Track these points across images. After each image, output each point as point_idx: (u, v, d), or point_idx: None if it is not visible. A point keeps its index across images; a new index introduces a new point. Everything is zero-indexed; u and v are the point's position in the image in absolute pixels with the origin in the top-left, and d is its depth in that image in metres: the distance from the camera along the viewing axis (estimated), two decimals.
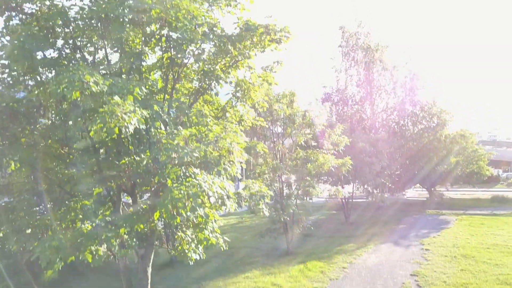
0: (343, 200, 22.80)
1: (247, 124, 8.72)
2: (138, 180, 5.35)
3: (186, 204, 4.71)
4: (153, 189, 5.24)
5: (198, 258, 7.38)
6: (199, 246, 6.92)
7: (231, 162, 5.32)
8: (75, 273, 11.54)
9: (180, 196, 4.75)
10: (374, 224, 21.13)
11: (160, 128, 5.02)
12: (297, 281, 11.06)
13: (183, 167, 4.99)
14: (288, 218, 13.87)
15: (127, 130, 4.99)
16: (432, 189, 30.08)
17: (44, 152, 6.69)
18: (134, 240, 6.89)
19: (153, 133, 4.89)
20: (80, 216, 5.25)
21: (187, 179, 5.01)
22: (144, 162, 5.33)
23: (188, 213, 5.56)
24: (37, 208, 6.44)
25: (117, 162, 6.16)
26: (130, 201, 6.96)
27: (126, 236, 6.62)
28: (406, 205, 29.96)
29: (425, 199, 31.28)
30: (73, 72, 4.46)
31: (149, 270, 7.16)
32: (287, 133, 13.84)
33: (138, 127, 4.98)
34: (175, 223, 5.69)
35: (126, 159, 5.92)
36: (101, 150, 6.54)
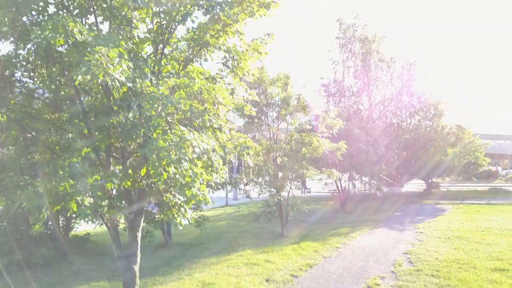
0: (339, 189, 22.91)
1: (238, 97, 8.73)
2: (125, 137, 5.38)
3: (170, 153, 4.75)
4: (139, 141, 5.27)
5: (187, 223, 7.40)
6: (187, 209, 6.95)
7: (216, 115, 5.37)
8: (65, 256, 11.60)
9: (165, 145, 4.80)
10: (370, 212, 21.21)
11: (146, 80, 5.05)
12: (290, 258, 11.11)
13: (168, 118, 5.04)
14: (282, 200, 13.92)
15: (114, 83, 5.05)
16: (430, 180, 30.17)
17: (34, 116, 6.73)
18: (123, 202, 6.95)
19: (138, 85, 4.93)
20: (67, 175, 5.28)
21: (172, 131, 5.06)
22: (130, 115, 5.37)
23: (173, 170, 5.63)
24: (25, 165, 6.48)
25: (106, 124, 6.19)
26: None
27: (115, 198, 6.68)
28: (403, 196, 30.06)
29: (423, 190, 31.38)
30: (57, 20, 4.52)
31: (139, 235, 7.19)
32: (282, 115, 13.85)
33: (124, 81, 5.03)
34: (162, 180, 5.72)
35: (114, 118, 5.96)
36: (91, 114, 6.58)
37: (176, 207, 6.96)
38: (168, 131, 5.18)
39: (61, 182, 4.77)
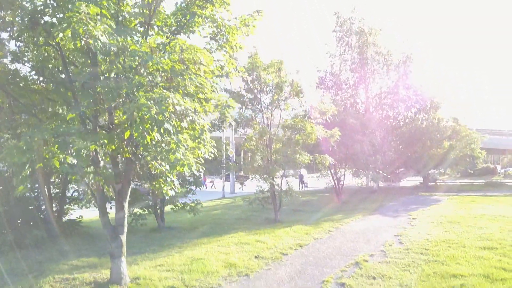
0: (334, 180, 22.94)
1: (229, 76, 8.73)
2: (108, 97, 5.40)
3: (151, 109, 4.78)
4: (121, 100, 5.30)
5: (173, 193, 7.43)
6: (173, 179, 6.99)
7: (197, 75, 5.39)
8: (57, 238, 11.65)
9: (146, 102, 4.83)
10: (365, 203, 21.24)
11: (127, 39, 5.07)
12: (281, 239, 11.15)
13: (149, 77, 5.07)
14: (275, 185, 13.95)
15: (96, 44, 5.08)
16: (426, 174, 30.19)
17: (21, 86, 6.77)
18: (110, 171, 6.99)
19: (120, 43, 4.96)
20: (52, 138, 5.31)
21: (154, 91, 5.10)
22: (113, 74, 5.41)
23: (158, 137, 5.67)
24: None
25: (91, 92, 6.22)
26: None
27: (100, 166, 6.71)
28: (399, 189, 30.12)
29: (419, 184, 31.42)
30: None
31: (126, 205, 7.22)
32: (275, 100, 13.88)
33: (106, 42, 5.06)
34: (146, 143, 5.75)
35: (99, 85, 5.99)
36: (76, 83, 6.61)
37: (163, 176, 7.01)
38: (150, 92, 5.22)
39: (43, 137, 4.80)
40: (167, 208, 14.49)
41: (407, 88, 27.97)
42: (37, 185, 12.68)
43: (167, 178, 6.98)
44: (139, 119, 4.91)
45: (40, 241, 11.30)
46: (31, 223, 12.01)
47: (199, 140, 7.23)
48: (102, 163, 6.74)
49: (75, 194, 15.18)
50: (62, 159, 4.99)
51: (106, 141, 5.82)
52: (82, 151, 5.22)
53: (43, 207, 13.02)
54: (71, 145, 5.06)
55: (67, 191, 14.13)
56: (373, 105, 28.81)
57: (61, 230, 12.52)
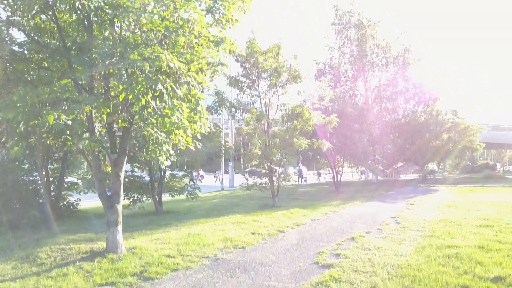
0: (333, 171, 22.94)
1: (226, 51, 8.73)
2: (103, 58, 5.41)
3: (144, 65, 4.80)
4: (115, 59, 5.30)
5: (169, 163, 7.44)
6: (169, 149, 7.00)
7: (190, 33, 5.39)
8: (55, 219, 11.66)
9: (138, 58, 4.85)
10: (363, 192, 21.29)
11: None
12: (278, 220, 11.16)
13: (143, 35, 5.09)
14: (273, 169, 13.96)
15: (90, 3, 5.11)
16: (425, 166, 30.19)
17: (16, 53, 6.77)
18: (105, 138, 7.00)
19: (113, 1, 4.98)
20: (47, 95, 5.31)
21: (148, 49, 5.11)
22: (107, 33, 5.42)
23: (155, 105, 5.69)
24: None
25: (87, 58, 6.23)
26: None
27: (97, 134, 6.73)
28: (398, 182, 30.04)
29: (418, 176, 31.43)
30: None
31: (122, 175, 7.24)
32: (272, 84, 13.88)
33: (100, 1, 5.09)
34: (140, 107, 5.78)
35: (95, 51, 6.00)
36: (72, 51, 6.62)
37: (158, 146, 7.01)
38: (143, 47, 5.23)
39: (37, 93, 4.82)
40: (166, 199, 14.59)
41: (406, 80, 27.99)
42: (34, 167, 12.73)
43: (163, 147, 6.98)
44: (135, 77, 4.92)
45: (37, 222, 11.31)
46: (29, 205, 12.02)
47: (195, 111, 7.28)
48: (97, 132, 6.76)
49: (75, 177, 15.14)
50: (56, 116, 5.00)
51: (101, 101, 5.81)
52: (76, 112, 5.23)
53: (41, 191, 13.03)
54: (64, 102, 5.07)
55: (65, 177, 14.15)
56: (372, 98, 28.82)
57: (58, 213, 12.55)
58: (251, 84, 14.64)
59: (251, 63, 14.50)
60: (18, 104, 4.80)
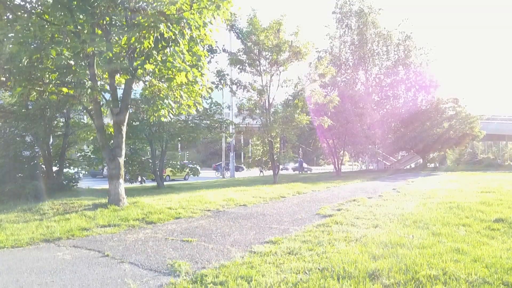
0: (334, 156, 22.96)
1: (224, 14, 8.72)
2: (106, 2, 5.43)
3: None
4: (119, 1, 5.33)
5: (170, 118, 7.48)
6: (171, 102, 7.03)
7: None
8: (57, 191, 11.70)
9: None
10: (364, 174, 21.29)
11: None
12: (279, 189, 11.19)
13: None
14: (272, 142, 13.96)
15: None
16: (426, 155, 30.19)
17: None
18: (107, 89, 7.02)
19: None
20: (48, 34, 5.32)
21: None
22: None
23: (154, 51, 5.71)
24: None
25: (89, 7, 6.23)
26: None
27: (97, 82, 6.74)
28: (399, 169, 30.13)
29: (419, 164, 31.42)
30: None
31: (124, 129, 7.26)
32: (273, 60, 13.88)
33: None
34: (142, 49, 5.80)
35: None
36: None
37: (160, 100, 7.04)
38: None
39: (41, 25, 4.83)
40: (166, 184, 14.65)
41: (407, 67, 27.96)
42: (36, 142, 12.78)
43: (164, 101, 7.01)
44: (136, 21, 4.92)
45: (39, 193, 11.33)
46: (30, 177, 12.06)
47: (197, 66, 7.29)
48: (99, 83, 6.78)
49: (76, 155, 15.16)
50: (59, 51, 5.01)
51: (104, 43, 5.81)
52: (79, 49, 5.24)
53: (42, 165, 13.08)
54: (67, 39, 5.09)
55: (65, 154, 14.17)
56: (373, 86, 28.81)
57: (60, 187, 12.59)
58: (252, 62, 14.62)
59: (252, 40, 14.49)
60: (20, 33, 4.80)
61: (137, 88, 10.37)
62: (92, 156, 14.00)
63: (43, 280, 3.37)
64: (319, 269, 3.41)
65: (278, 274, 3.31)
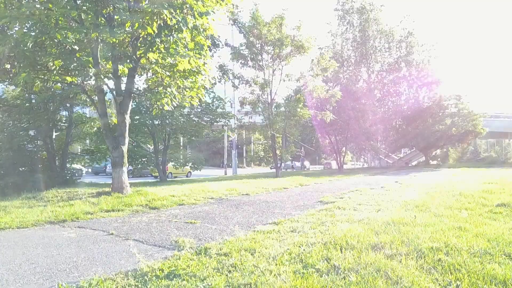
0: (336, 153, 22.95)
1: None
2: None
3: None
4: None
5: (174, 106, 7.51)
6: (173, 91, 7.06)
7: None
8: (60, 183, 11.77)
9: None
10: (366, 170, 21.29)
11: None
12: (282, 182, 11.21)
13: None
14: (275, 136, 13.98)
15: None
16: (428, 152, 30.12)
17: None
18: (111, 75, 7.06)
19: None
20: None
21: None
22: None
23: (157, 39, 5.74)
24: None
25: None
26: None
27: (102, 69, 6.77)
28: (402, 166, 30.08)
29: (422, 161, 31.37)
30: None
31: (127, 117, 7.30)
32: (276, 54, 13.91)
33: None
34: (146, 36, 5.83)
35: None
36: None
37: (163, 88, 7.08)
38: None
39: (47, 12, 4.88)
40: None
41: (409, 64, 27.90)
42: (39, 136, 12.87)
43: (167, 90, 7.05)
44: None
45: (42, 186, 11.42)
46: (33, 171, 12.14)
47: (200, 56, 7.33)
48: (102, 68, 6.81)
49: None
50: (64, 34, 5.06)
51: (107, 32, 5.85)
52: (83, 33, 5.28)
53: (45, 159, 13.16)
54: (72, 23, 5.12)
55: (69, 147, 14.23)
56: (375, 83, 28.76)
57: (63, 180, 12.64)
58: (254, 56, 14.65)
59: (255, 34, 14.52)
60: (25, 10, 4.82)
61: (140, 81, 10.44)
62: (94, 151, 14.06)
63: (50, 253, 3.41)
64: (322, 242, 3.43)
65: (281, 247, 3.34)
